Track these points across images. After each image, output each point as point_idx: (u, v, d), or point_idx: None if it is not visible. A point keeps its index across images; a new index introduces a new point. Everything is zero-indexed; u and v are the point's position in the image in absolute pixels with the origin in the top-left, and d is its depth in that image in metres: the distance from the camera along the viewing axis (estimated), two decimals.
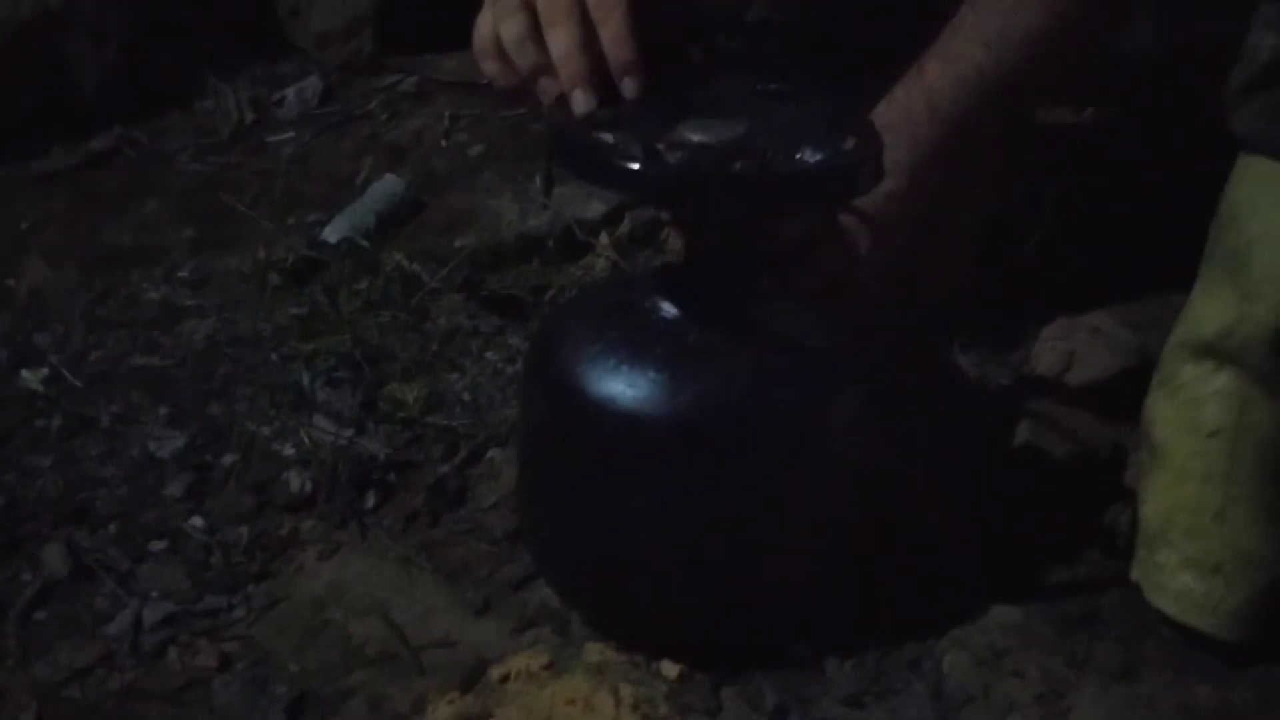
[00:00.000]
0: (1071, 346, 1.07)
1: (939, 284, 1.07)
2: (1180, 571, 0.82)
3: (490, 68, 0.83)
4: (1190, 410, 0.87)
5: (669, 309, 0.72)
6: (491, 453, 0.99)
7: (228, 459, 0.97)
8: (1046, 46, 0.82)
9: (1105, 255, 1.07)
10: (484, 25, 0.83)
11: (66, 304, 1.14)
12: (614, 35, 0.75)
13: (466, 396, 1.05)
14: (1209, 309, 0.86)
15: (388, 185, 1.30)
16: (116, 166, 1.35)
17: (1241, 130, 0.80)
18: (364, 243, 1.21)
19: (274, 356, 1.09)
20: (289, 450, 0.98)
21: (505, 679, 0.78)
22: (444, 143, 1.41)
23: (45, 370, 1.05)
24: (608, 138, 0.66)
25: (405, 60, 1.53)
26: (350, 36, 1.55)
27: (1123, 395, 0.94)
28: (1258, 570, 0.82)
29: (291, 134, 1.43)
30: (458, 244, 1.23)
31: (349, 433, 1.00)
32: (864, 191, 0.69)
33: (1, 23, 1.33)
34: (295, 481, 0.95)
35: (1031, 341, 1.06)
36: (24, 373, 1.04)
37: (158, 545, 0.89)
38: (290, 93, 1.50)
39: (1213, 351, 0.86)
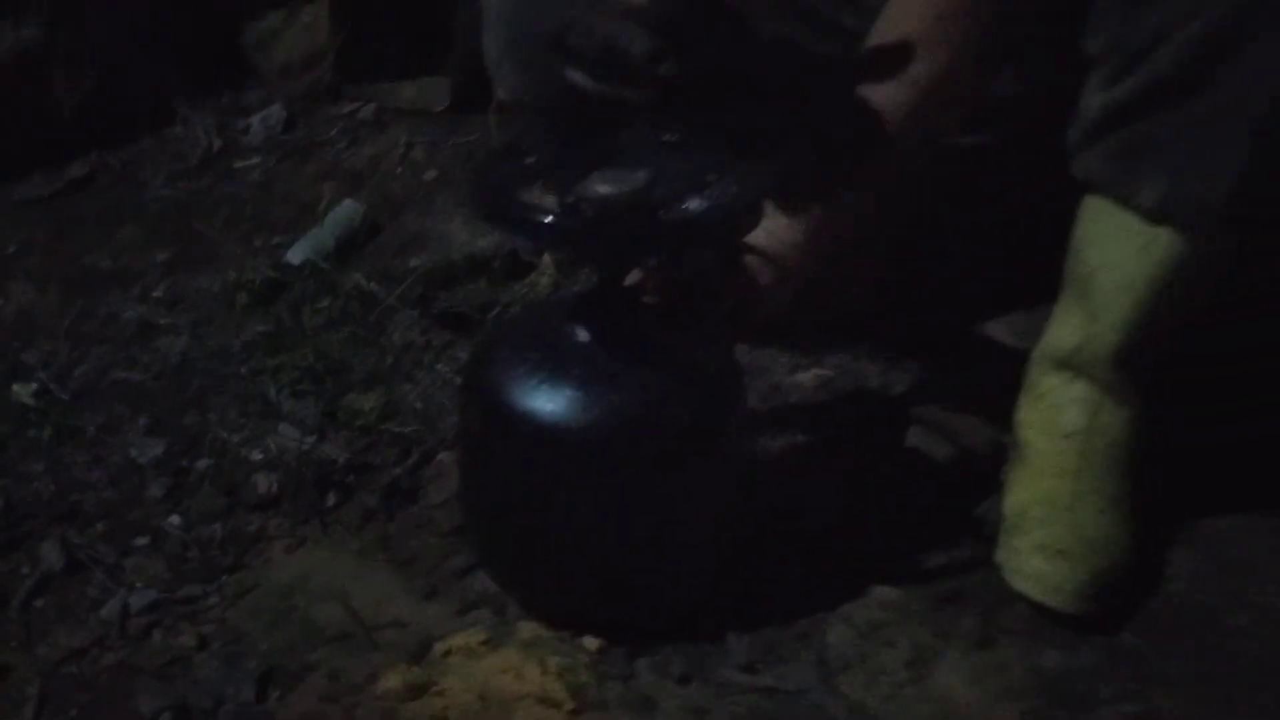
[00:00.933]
0: (986, 351, 1.20)
1: (848, 301, 1.19)
2: (1033, 555, 0.95)
3: None
4: (1050, 414, 1.00)
5: (583, 334, 0.84)
6: (441, 456, 1.09)
7: (202, 464, 1.08)
8: (918, 111, 0.91)
9: (997, 271, 1.20)
10: None
11: (52, 323, 1.24)
12: None
13: (419, 405, 1.16)
14: (1064, 327, 0.99)
15: (346, 210, 1.40)
16: (94, 192, 1.45)
17: (1082, 174, 0.92)
18: (324, 264, 1.31)
19: (243, 370, 1.19)
20: (257, 455, 1.09)
21: (448, 653, 0.89)
22: (399, 169, 1.51)
23: (35, 384, 1.15)
24: (526, 195, 0.78)
25: (363, 89, 1.62)
26: (311, 67, 1.63)
27: (1009, 400, 1.06)
28: (1099, 554, 0.95)
29: (257, 160, 1.52)
30: (411, 264, 1.33)
31: (312, 439, 1.10)
32: (742, 235, 0.81)
33: None
34: (263, 483, 1.06)
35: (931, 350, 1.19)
36: (15, 387, 1.15)
37: (141, 541, 1.00)
38: (255, 121, 1.59)
39: (1069, 364, 0.98)
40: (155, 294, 1.29)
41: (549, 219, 0.77)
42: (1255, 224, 0.87)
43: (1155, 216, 0.87)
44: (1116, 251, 0.92)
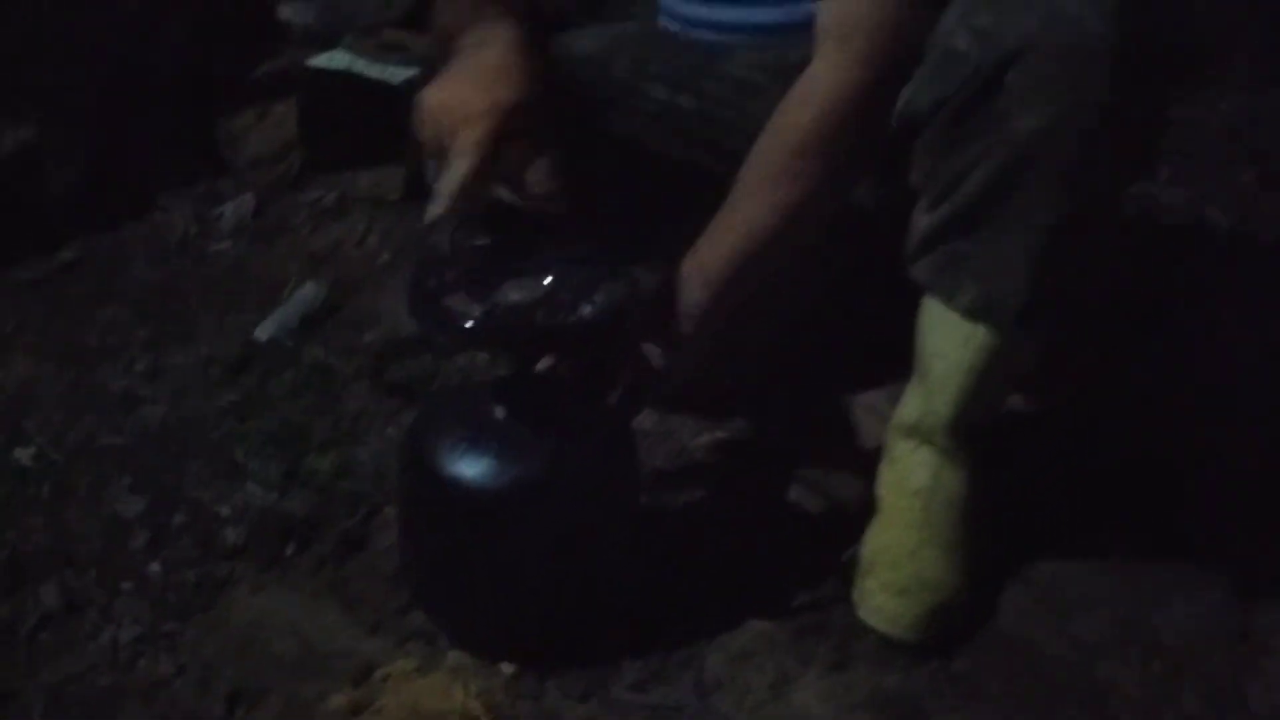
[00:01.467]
0: (854, 422, 1.38)
1: (740, 375, 1.37)
2: (880, 593, 1.13)
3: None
4: (900, 474, 1.18)
5: (500, 412, 1.03)
6: (387, 510, 1.26)
7: (179, 518, 1.25)
8: (785, 231, 1.09)
9: (874, 346, 1.39)
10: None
11: (47, 394, 1.40)
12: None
13: (370, 465, 1.32)
14: (910, 402, 1.17)
15: (309, 291, 1.58)
16: (82, 274, 1.62)
17: (918, 279, 1.11)
18: (288, 340, 1.49)
19: (215, 435, 1.35)
20: (226, 510, 1.26)
21: (387, 678, 1.07)
22: (357, 252, 1.68)
23: (33, 448, 1.31)
24: (449, 301, 0.97)
25: (326, 178, 1.79)
26: (279, 159, 1.81)
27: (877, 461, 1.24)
28: (934, 593, 1.13)
29: (229, 244, 1.70)
30: (365, 339, 1.51)
31: (274, 496, 1.27)
32: (631, 334, 1.00)
33: None
34: (232, 535, 1.23)
35: (819, 415, 1.38)
36: (16, 450, 1.31)
37: (127, 585, 1.16)
38: (228, 208, 1.76)
39: (914, 432, 1.17)
40: (138, 367, 1.46)
41: (470, 323, 0.96)
42: (1048, 322, 1.06)
43: (971, 316, 1.06)
44: (945, 342, 1.10)
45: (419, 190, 1.75)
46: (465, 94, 1.05)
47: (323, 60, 1.77)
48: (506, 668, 1.08)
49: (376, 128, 1.76)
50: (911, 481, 1.16)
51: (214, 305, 1.57)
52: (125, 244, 1.68)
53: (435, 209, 1.02)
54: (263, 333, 1.50)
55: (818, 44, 1.06)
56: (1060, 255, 1.01)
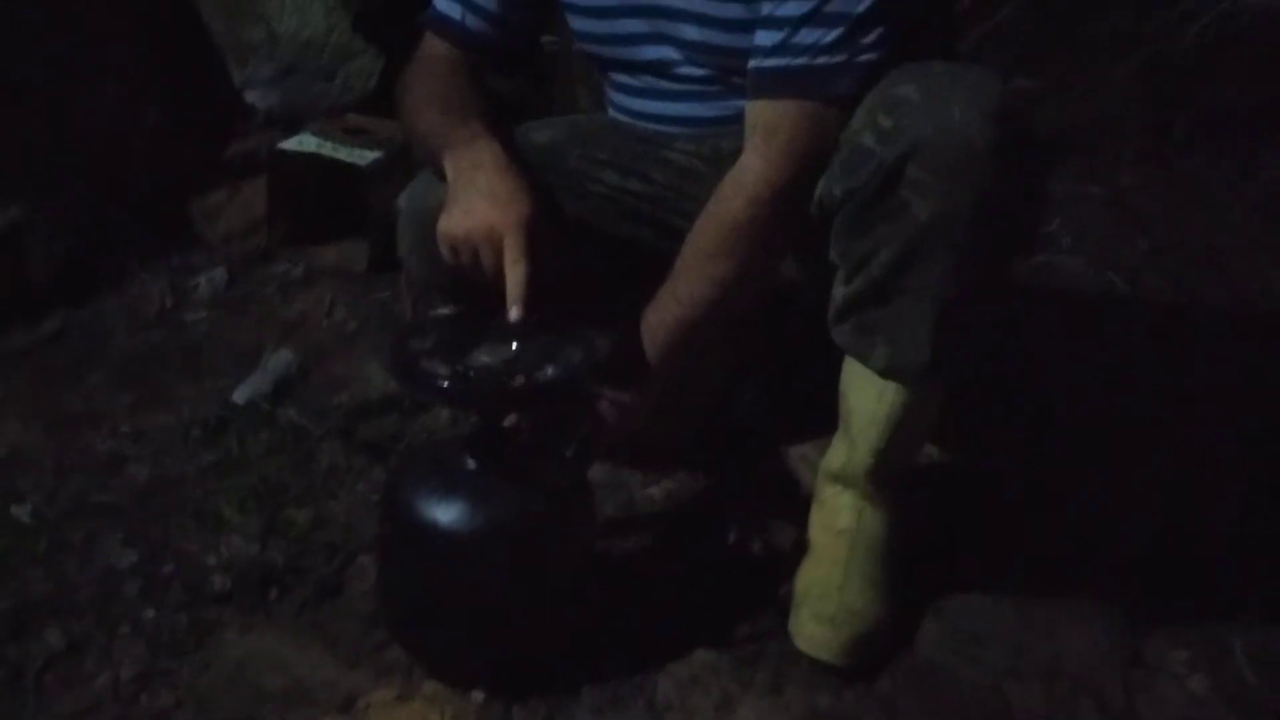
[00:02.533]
0: (788, 471, 1.51)
1: (685, 424, 1.50)
2: (811, 622, 1.26)
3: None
4: (828, 517, 1.32)
5: (470, 464, 1.15)
6: (361, 558, 1.37)
7: (168, 568, 1.35)
8: (721, 302, 1.22)
9: (807, 402, 1.53)
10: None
11: (39, 456, 1.50)
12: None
13: (343, 518, 1.43)
14: (835, 451, 1.31)
15: (282, 358, 1.69)
16: (66, 344, 1.71)
17: (838, 342, 1.25)
18: (264, 403, 1.60)
19: (198, 492, 1.46)
20: (212, 560, 1.36)
21: (368, 707, 1.18)
22: (325, 321, 1.80)
23: (30, 506, 1.41)
24: (427, 365, 1.09)
25: (294, 251, 1.92)
26: (250, 234, 1.94)
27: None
28: (860, 622, 1.26)
29: (204, 314, 1.80)
30: (336, 402, 1.62)
31: (256, 547, 1.38)
32: (587, 393, 1.13)
33: None
34: (218, 582, 1.33)
35: (759, 464, 1.51)
36: (13, 508, 1.40)
37: (124, 629, 1.26)
38: (202, 280, 1.87)
39: (839, 478, 1.31)
40: (123, 430, 1.56)
41: (445, 384, 1.09)
42: (951, 377, 1.21)
43: (883, 374, 1.20)
44: (863, 397, 1.24)
45: (381, 263, 1.89)
46: (489, 218, 1.17)
47: (292, 144, 1.89)
48: (477, 695, 1.19)
49: (341, 205, 1.90)
50: (838, 522, 1.30)
51: (192, 371, 1.67)
52: (106, 315, 1.77)
53: (515, 313, 1.14)
54: (240, 396, 1.61)
55: (747, 139, 1.21)
56: (957, 321, 1.16)
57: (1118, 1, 2.67)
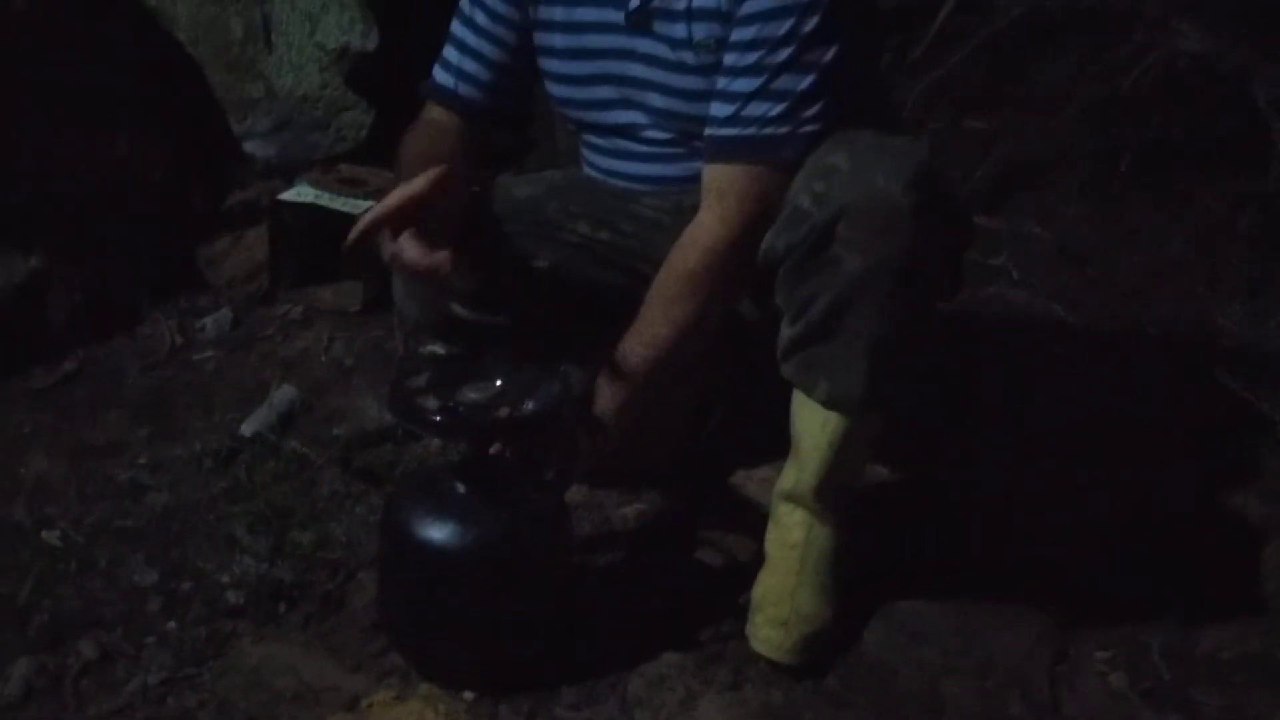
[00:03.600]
0: (748, 491, 1.66)
1: (653, 451, 1.64)
2: (765, 626, 1.40)
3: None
4: (781, 532, 1.46)
5: (460, 487, 1.30)
6: (360, 574, 1.51)
7: (187, 585, 1.48)
8: (682, 342, 1.35)
9: (764, 428, 1.67)
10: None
11: (64, 486, 1.63)
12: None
13: (344, 538, 1.56)
14: (787, 473, 1.45)
15: (285, 393, 1.82)
16: (84, 382, 1.84)
17: (786, 376, 1.39)
18: (270, 435, 1.73)
19: (211, 517, 1.59)
20: (226, 578, 1.49)
21: (370, 705, 1.31)
22: (324, 358, 1.94)
23: (59, 531, 1.54)
24: (422, 401, 1.24)
25: (293, 293, 2.05)
26: (252, 278, 2.06)
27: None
28: (809, 625, 1.40)
29: (211, 353, 1.93)
30: (335, 433, 1.76)
31: (265, 566, 1.51)
32: (564, 424, 1.27)
33: (4, 284, 1.83)
34: (233, 598, 1.46)
35: (722, 486, 1.65)
36: (43, 533, 1.54)
37: (150, 640, 1.40)
38: (209, 321, 1.99)
39: (790, 497, 1.45)
40: (140, 461, 1.69)
41: (437, 417, 1.23)
42: (886, 406, 1.36)
43: (825, 405, 1.35)
44: (809, 425, 1.39)
45: (374, 303, 2.02)
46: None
47: (291, 195, 2.03)
48: (467, 695, 1.33)
49: (337, 250, 2.02)
50: (790, 537, 1.44)
51: (202, 406, 1.80)
52: (120, 355, 1.90)
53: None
54: (247, 429, 1.74)
55: (703, 198, 1.36)
56: (888, 358, 1.31)
57: (1063, 48, 2.84)
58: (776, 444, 1.49)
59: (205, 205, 2.14)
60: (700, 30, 1.37)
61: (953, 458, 1.71)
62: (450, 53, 1.51)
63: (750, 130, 1.33)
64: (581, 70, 1.47)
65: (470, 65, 1.49)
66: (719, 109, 1.35)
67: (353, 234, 1.30)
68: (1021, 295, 2.24)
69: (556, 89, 1.51)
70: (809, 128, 1.32)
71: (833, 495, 1.42)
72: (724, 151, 1.35)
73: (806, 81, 1.31)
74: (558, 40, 1.47)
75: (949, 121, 2.79)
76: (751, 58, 1.32)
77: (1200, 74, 2.60)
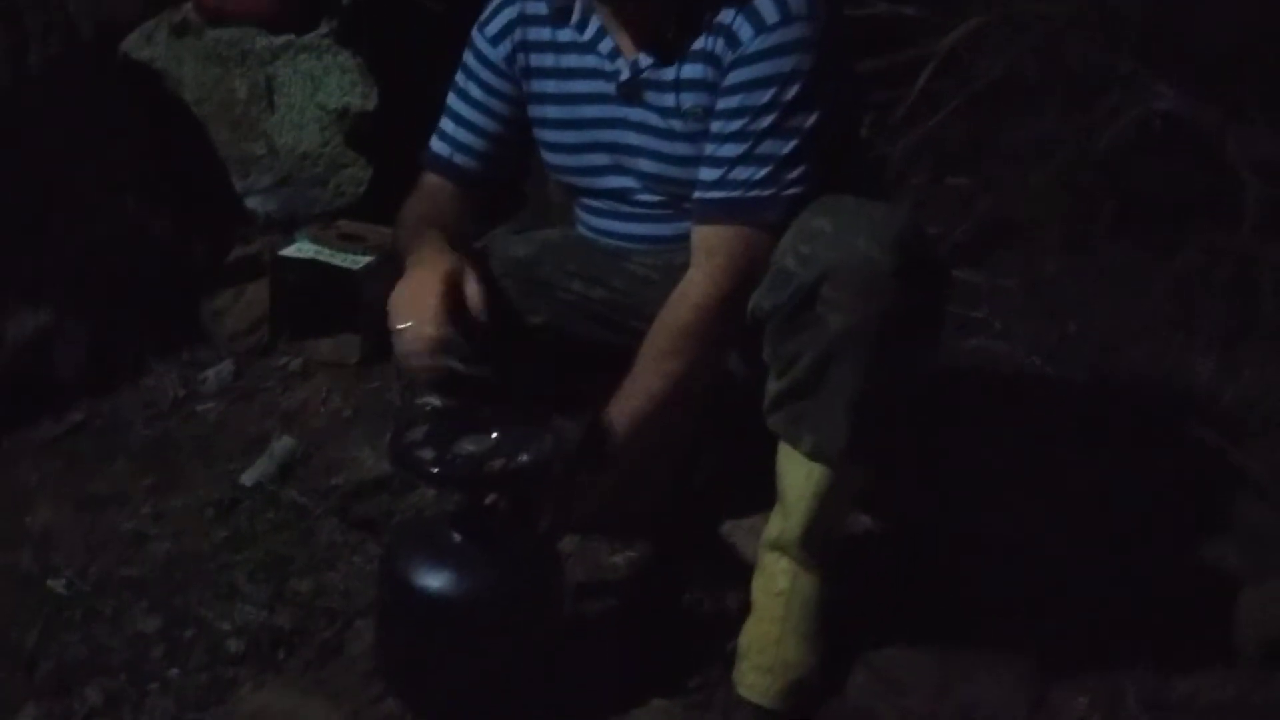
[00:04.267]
0: (735, 539, 1.70)
1: (646, 500, 1.69)
2: (751, 672, 1.44)
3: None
4: (767, 580, 1.50)
5: (456, 537, 1.34)
6: (358, 622, 1.54)
7: (189, 633, 1.52)
8: (673, 394, 1.41)
9: (753, 478, 1.72)
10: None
11: (70, 535, 1.67)
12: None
13: (341, 587, 1.60)
14: (773, 522, 1.50)
15: (285, 444, 1.87)
16: (90, 433, 1.88)
17: (773, 429, 1.44)
18: (270, 485, 1.77)
19: (213, 565, 1.63)
20: (227, 626, 1.53)
21: None
22: (322, 409, 1.98)
23: (65, 580, 1.58)
24: (420, 453, 1.29)
25: (293, 346, 2.09)
26: (253, 331, 2.11)
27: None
28: (794, 672, 1.44)
29: (213, 404, 1.97)
30: (333, 483, 1.79)
31: (265, 613, 1.54)
32: (557, 476, 1.32)
33: (13, 338, 1.88)
34: (234, 645, 1.50)
35: (711, 534, 1.69)
36: (49, 581, 1.58)
37: (154, 686, 1.44)
38: (211, 374, 2.03)
39: (775, 546, 1.49)
40: (144, 511, 1.73)
41: (435, 470, 1.29)
42: (868, 459, 1.41)
43: (810, 457, 1.39)
44: (794, 476, 1.43)
45: (372, 355, 2.08)
46: (418, 277, 1.40)
47: (292, 250, 2.08)
48: None
49: (336, 303, 2.07)
50: (775, 585, 1.48)
51: (204, 456, 1.84)
52: (125, 406, 1.95)
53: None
54: (248, 479, 1.78)
55: (692, 257, 1.43)
56: (870, 412, 1.36)
57: (1041, 108, 2.92)
58: (764, 494, 1.53)
59: (208, 260, 2.19)
60: (688, 99, 1.44)
61: (934, 507, 1.75)
62: (446, 124, 1.58)
63: (736, 193, 1.39)
64: (575, 139, 1.54)
65: (465, 136, 1.56)
66: (707, 173, 1.42)
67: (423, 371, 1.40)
68: (1003, 347, 2.29)
69: (551, 157, 1.58)
70: (792, 190, 1.38)
71: (817, 545, 1.46)
72: (712, 213, 1.41)
73: (788, 147, 1.38)
74: (551, 111, 1.54)
75: (931, 178, 2.88)
76: (736, 125, 1.39)
77: (1174, 132, 2.69)
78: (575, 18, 1.49)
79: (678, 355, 1.41)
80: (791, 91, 1.37)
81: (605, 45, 1.48)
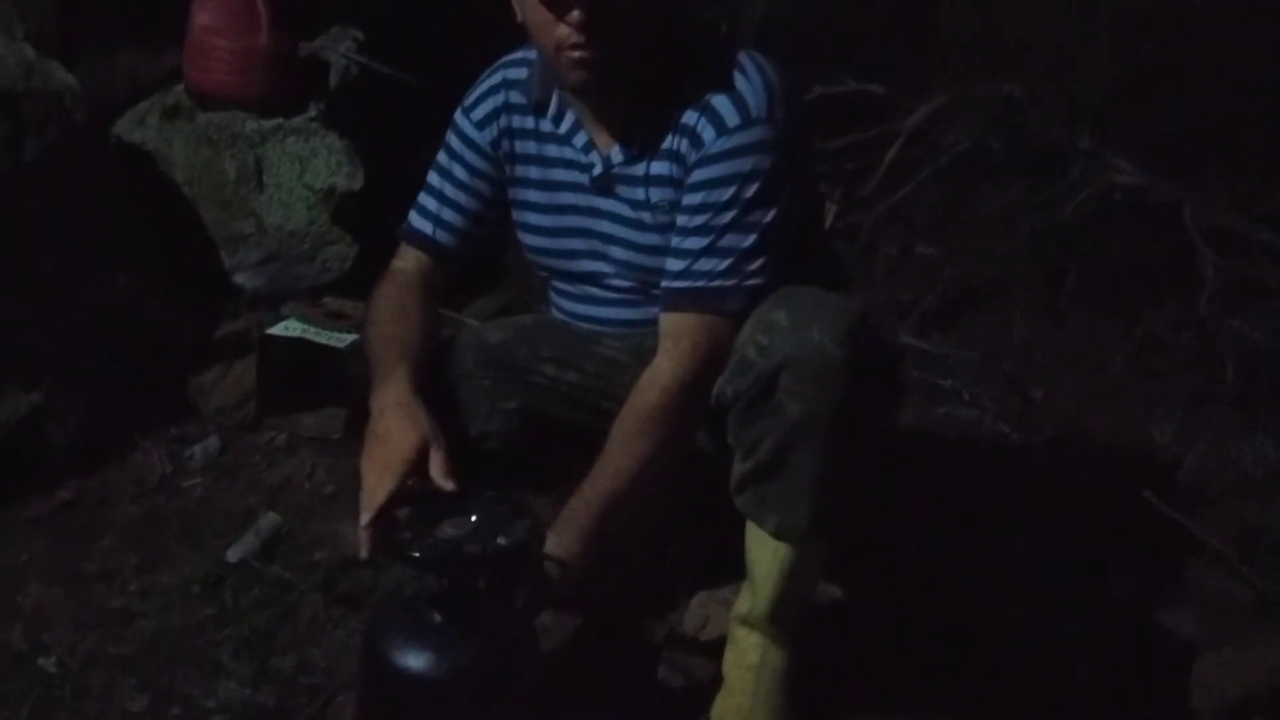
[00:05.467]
0: (707, 613, 1.76)
1: (620, 576, 1.74)
2: None
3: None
4: (738, 654, 1.55)
5: (436, 616, 1.39)
6: (340, 698, 1.58)
7: (175, 710, 1.56)
8: (643, 474, 1.45)
9: (724, 552, 1.77)
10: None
11: (59, 613, 1.71)
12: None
13: (324, 663, 1.64)
14: (743, 597, 1.55)
15: (270, 520, 1.91)
16: (79, 511, 1.92)
17: (739, 508, 1.50)
18: (254, 561, 1.82)
19: (198, 642, 1.67)
20: (212, 703, 1.57)
21: None
22: (307, 484, 2.03)
23: (54, 658, 1.62)
24: (400, 535, 1.35)
25: (278, 421, 2.13)
26: (240, 407, 2.15)
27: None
28: None
29: (199, 480, 2.02)
30: (317, 558, 1.84)
31: (249, 690, 1.58)
32: (530, 560, 1.38)
33: (6, 418, 1.93)
34: None
35: (683, 608, 1.75)
36: (40, 660, 1.62)
37: None
38: (197, 450, 2.08)
39: (745, 621, 1.54)
40: (131, 588, 1.77)
41: (417, 554, 1.34)
42: (829, 537, 1.47)
43: (775, 536, 1.45)
44: (761, 554, 1.49)
45: (356, 430, 2.11)
46: (370, 477, 1.44)
47: (279, 329, 2.14)
48: None
49: (322, 381, 2.12)
50: (746, 659, 1.53)
51: (190, 533, 1.88)
52: (113, 483, 1.99)
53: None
54: (233, 555, 1.83)
55: (660, 343, 1.49)
56: (831, 491, 1.42)
57: (1005, 180, 3.02)
58: (735, 567, 1.57)
59: (196, 336, 2.24)
60: (656, 194, 1.51)
61: (903, 576, 1.81)
62: (428, 201, 1.64)
63: (700, 283, 1.46)
64: (554, 224, 1.61)
65: (448, 214, 1.63)
66: (673, 264, 1.49)
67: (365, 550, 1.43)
68: (971, 414, 2.36)
69: (530, 239, 1.64)
70: (752, 281, 1.45)
71: (786, 619, 1.52)
72: (677, 302, 1.48)
73: (748, 241, 1.45)
74: (533, 196, 1.61)
75: (901, 248, 2.96)
76: (699, 220, 1.46)
77: (1134, 204, 2.79)
78: (551, 111, 1.57)
79: (647, 436, 1.46)
80: (751, 190, 1.44)
81: (580, 139, 1.56)
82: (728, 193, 1.45)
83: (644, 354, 1.54)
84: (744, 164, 1.44)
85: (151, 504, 1.96)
